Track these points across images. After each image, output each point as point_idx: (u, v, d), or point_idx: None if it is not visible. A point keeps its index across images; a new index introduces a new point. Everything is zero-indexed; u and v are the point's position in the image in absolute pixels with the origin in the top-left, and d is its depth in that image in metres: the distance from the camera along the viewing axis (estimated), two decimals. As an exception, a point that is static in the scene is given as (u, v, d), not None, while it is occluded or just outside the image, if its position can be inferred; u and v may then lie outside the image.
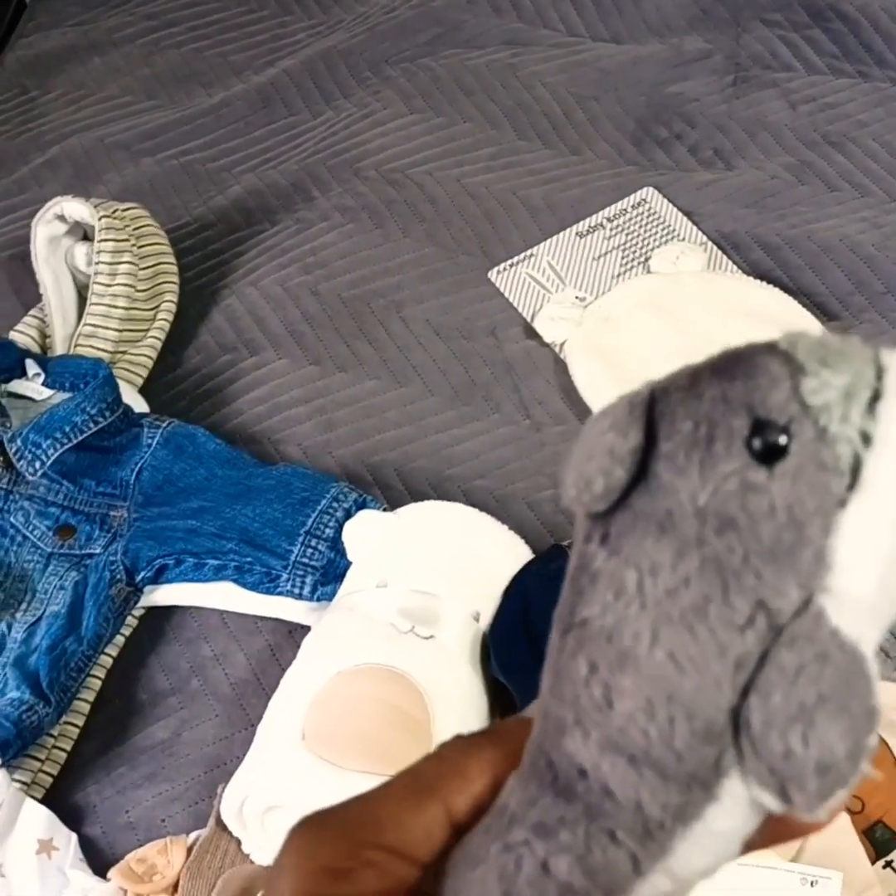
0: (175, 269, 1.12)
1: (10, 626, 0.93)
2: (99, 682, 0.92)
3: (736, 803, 0.29)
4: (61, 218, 1.09)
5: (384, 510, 0.93)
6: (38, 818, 0.84)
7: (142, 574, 0.94)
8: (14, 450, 0.96)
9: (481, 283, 1.13)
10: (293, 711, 0.79)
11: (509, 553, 0.88)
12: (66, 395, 1.02)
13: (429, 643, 0.81)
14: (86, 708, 0.91)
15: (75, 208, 1.07)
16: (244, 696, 0.92)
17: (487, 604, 0.85)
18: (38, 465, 0.96)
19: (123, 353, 1.08)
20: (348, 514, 0.93)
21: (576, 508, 0.31)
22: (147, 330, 1.09)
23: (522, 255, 1.15)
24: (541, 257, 1.14)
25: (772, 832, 0.30)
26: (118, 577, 0.93)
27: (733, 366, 0.30)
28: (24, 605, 0.94)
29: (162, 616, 0.96)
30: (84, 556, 0.95)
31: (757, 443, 0.29)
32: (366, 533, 0.89)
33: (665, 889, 0.30)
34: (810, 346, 0.29)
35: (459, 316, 1.10)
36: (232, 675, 0.93)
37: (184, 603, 0.95)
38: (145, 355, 1.08)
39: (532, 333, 1.09)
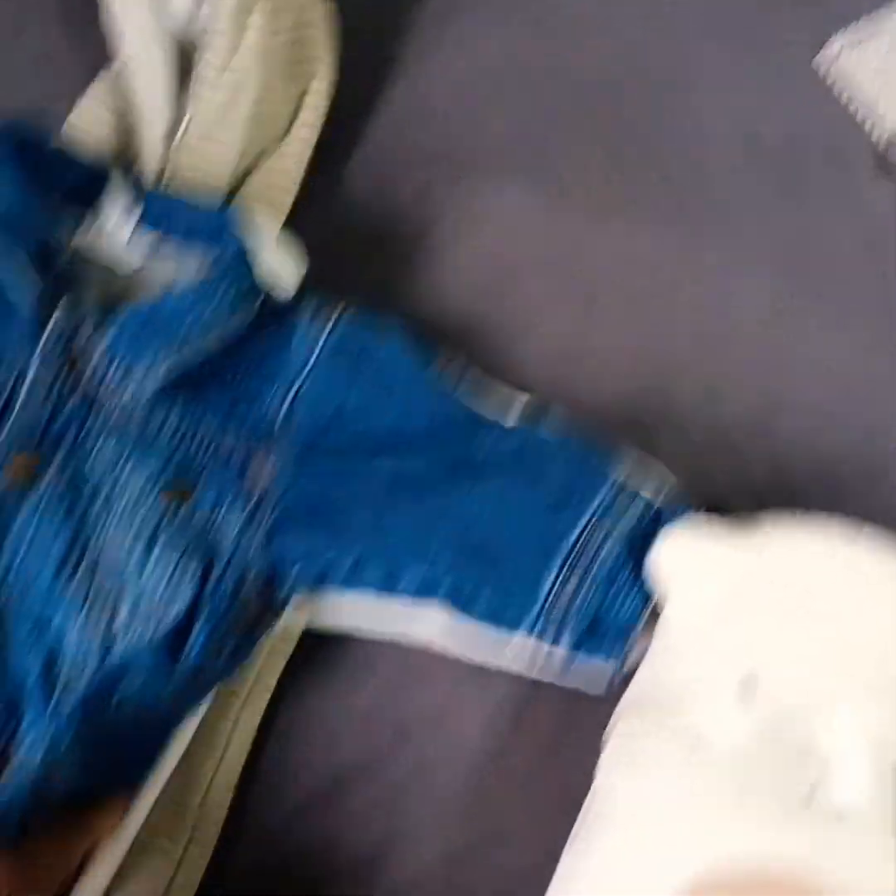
0: (326, 11, 0.69)
1: (106, 653, 0.59)
2: (242, 756, 0.59)
3: None
4: (147, -70, 0.65)
5: (702, 513, 0.56)
6: None
7: (291, 575, 0.58)
8: (95, 360, 0.58)
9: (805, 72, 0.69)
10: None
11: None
12: (169, 259, 0.63)
13: (846, 820, 0.47)
14: (221, 815, 0.59)
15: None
16: (480, 786, 0.59)
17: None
18: (132, 389, 0.58)
19: (255, 162, 0.67)
20: (641, 526, 0.56)
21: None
22: (290, 124, 0.68)
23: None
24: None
25: None
26: (249, 576, 0.58)
27: None
28: (123, 613, 0.59)
29: (333, 640, 0.61)
30: (210, 536, 0.60)
31: None
32: (695, 572, 0.53)
33: None
34: None
35: (782, 118, 0.68)
36: (458, 749, 0.59)
37: (366, 627, 0.60)
38: (291, 168, 0.67)
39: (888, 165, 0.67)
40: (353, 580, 0.58)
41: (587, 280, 0.65)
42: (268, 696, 0.60)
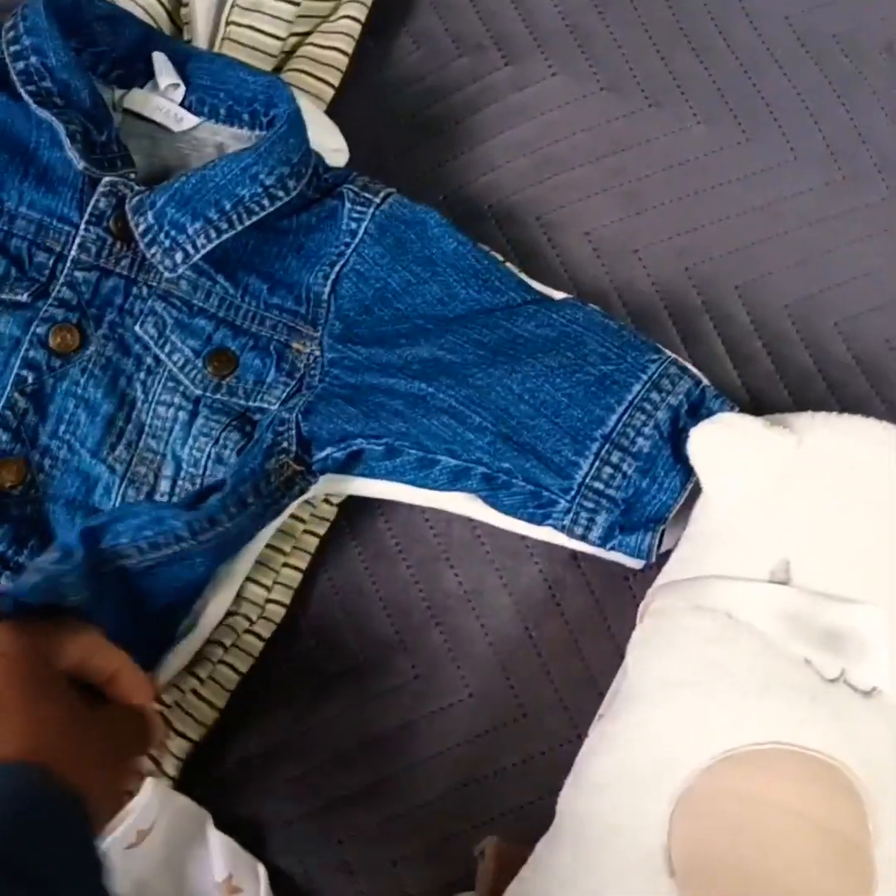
0: None
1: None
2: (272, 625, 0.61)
3: None
4: None
5: (733, 409, 0.57)
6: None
7: (325, 451, 0.58)
8: (142, 227, 0.59)
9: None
10: (642, 812, 0.48)
11: None
12: (218, 128, 0.63)
13: (871, 704, 0.49)
14: (244, 665, 0.60)
15: None
16: (510, 662, 0.60)
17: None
18: (179, 258, 0.59)
19: (302, 41, 0.67)
20: (676, 415, 0.57)
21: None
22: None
23: None
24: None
25: None
26: (284, 444, 0.58)
27: None
28: (164, 485, 0.60)
29: (376, 511, 0.62)
30: (253, 410, 0.61)
31: None
32: (734, 460, 0.54)
33: None
34: None
35: (840, 14, 0.68)
36: (491, 626, 0.61)
37: (409, 500, 0.61)
38: (338, 49, 0.67)
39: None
40: (386, 465, 0.58)
41: (631, 175, 0.65)
42: (300, 573, 0.61)
